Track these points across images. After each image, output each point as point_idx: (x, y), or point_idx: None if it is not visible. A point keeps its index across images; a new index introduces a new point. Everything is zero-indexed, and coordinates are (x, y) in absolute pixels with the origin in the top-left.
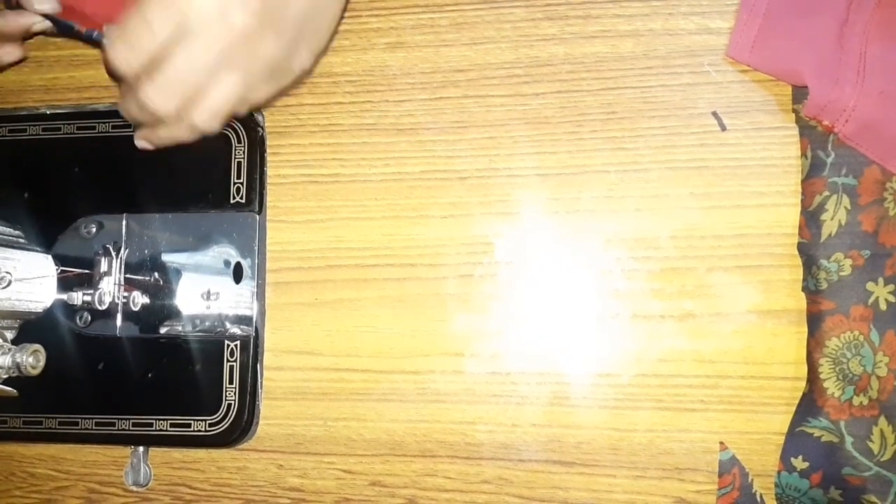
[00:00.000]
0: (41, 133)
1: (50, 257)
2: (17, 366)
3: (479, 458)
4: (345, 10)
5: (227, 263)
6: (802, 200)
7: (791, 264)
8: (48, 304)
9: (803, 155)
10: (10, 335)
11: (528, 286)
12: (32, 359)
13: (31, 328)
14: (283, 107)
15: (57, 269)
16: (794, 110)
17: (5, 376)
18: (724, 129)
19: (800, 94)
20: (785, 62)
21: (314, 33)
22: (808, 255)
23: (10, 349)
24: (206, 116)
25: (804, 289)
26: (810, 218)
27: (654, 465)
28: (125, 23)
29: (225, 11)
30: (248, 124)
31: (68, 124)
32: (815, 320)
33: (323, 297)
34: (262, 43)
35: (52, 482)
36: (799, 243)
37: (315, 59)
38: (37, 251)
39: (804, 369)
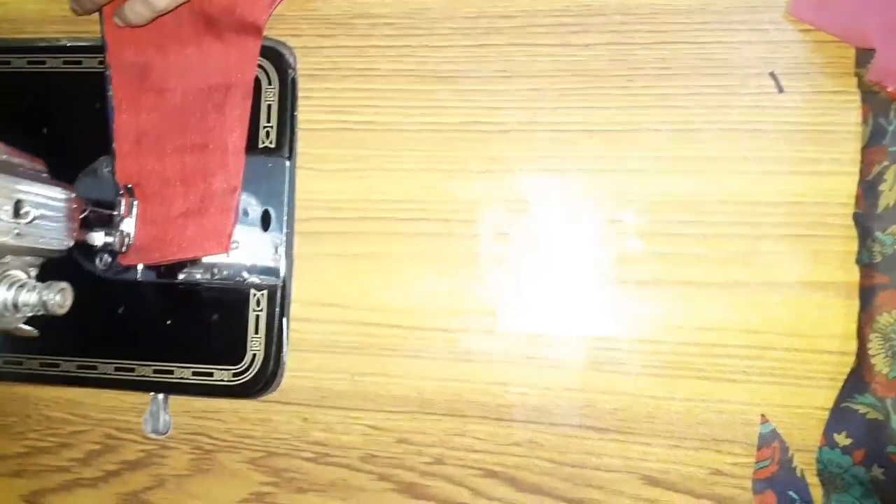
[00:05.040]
0: (62, 66)
1: (75, 194)
2: (44, 304)
3: (511, 420)
4: None
5: (245, 212)
6: (861, 169)
7: (844, 235)
8: (71, 242)
9: (864, 122)
10: (33, 272)
11: (567, 247)
12: (60, 297)
13: (50, 267)
14: (316, 48)
15: (86, 208)
16: (856, 74)
17: (30, 314)
18: (781, 91)
19: (864, 57)
20: (851, 22)
21: None
22: (864, 226)
23: (35, 286)
24: None
25: (858, 261)
26: (868, 188)
27: (690, 434)
28: None
29: None
30: (279, 65)
31: (90, 58)
32: (867, 294)
33: (353, 249)
34: None
35: (69, 426)
36: (854, 214)
37: None
38: (62, 186)
39: (851, 343)
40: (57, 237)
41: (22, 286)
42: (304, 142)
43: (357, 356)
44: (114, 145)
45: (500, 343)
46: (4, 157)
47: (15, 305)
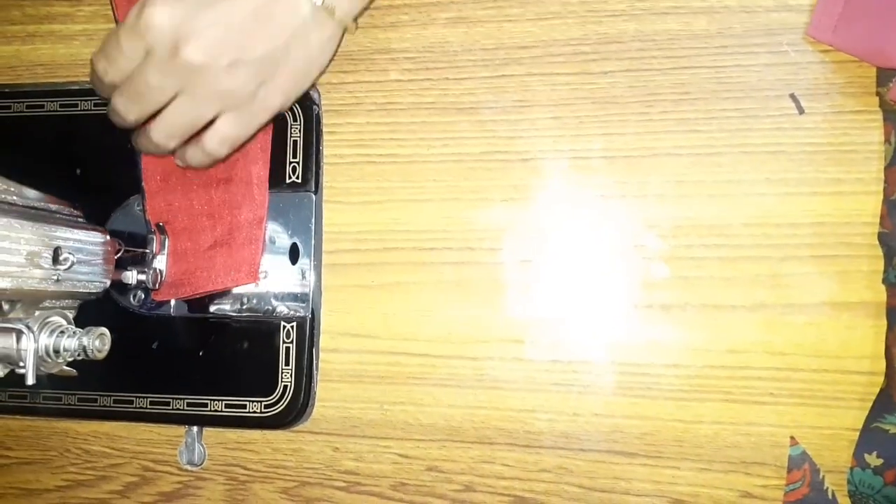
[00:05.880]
0: (93, 108)
1: (109, 237)
2: (84, 349)
3: (539, 447)
4: (333, 56)
5: (272, 241)
6: (885, 189)
7: (870, 255)
8: (107, 284)
9: (887, 141)
10: (70, 315)
11: (591, 273)
12: (99, 342)
13: (86, 306)
14: (339, 84)
15: (119, 249)
16: (877, 93)
17: (70, 359)
18: (802, 112)
19: (885, 76)
20: (871, 42)
21: (287, 74)
22: (889, 245)
23: (75, 332)
24: (163, 136)
25: (884, 281)
26: (892, 207)
27: (719, 457)
28: (105, 41)
29: (177, 44)
30: (304, 102)
31: None
32: (894, 313)
33: (380, 279)
34: (219, 77)
35: (107, 459)
36: (880, 233)
37: (288, 99)
38: (97, 230)
39: (879, 364)
40: (94, 280)
41: (62, 332)
42: (330, 176)
43: (385, 385)
44: (143, 184)
45: (526, 370)
46: (42, 204)
47: (56, 351)
